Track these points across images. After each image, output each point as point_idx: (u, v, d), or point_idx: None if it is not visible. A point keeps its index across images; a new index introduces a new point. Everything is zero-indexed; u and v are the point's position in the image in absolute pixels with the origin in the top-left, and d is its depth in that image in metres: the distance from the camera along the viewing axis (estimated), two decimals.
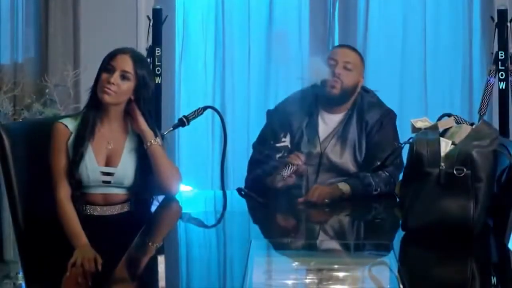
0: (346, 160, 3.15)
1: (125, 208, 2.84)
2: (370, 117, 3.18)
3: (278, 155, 3.18)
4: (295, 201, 2.96)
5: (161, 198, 2.93)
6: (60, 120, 2.82)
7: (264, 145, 3.22)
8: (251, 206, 3.01)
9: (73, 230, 2.67)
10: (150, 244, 2.53)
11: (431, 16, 4.53)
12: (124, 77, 2.77)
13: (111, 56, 2.79)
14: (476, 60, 4.50)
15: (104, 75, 2.76)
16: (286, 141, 3.20)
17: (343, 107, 3.21)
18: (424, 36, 4.51)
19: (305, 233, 2.79)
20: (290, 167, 2.97)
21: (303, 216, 2.94)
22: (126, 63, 2.78)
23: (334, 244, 2.61)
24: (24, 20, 4.33)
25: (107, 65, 2.78)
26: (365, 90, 3.28)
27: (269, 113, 3.38)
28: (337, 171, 3.15)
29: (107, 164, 2.80)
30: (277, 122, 3.24)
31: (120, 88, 2.76)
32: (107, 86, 2.75)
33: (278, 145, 3.19)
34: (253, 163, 3.23)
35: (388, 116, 3.21)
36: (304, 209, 2.92)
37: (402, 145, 2.64)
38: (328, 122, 3.21)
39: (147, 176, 2.85)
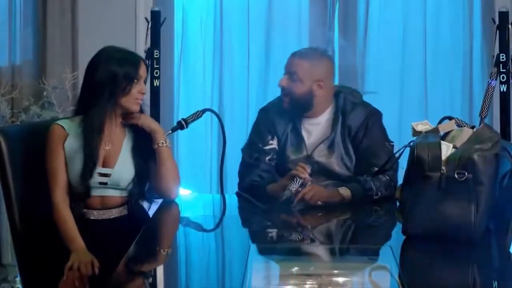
0: (333, 162, 3.11)
1: (123, 212, 2.82)
2: (352, 119, 3.11)
3: (267, 158, 3.16)
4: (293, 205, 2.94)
5: (159, 200, 2.92)
6: (57, 122, 2.80)
7: (252, 148, 3.20)
8: (250, 210, 2.99)
9: (69, 234, 2.66)
10: (157, 248, 2.52)
11: (431, 18, 4.52)
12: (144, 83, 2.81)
13: (137, 65, 2.76)
14: (476, 62, 4.49)
15: (137, 87, 2.75)
16: (273, 144, 3.19)
17: (316, 110, 3.15)
18: (425, 38, 4.50)
19: (305, 237, 2.77)
20: (297, 181, 2.94)
21: (302, 220, 2.92)
22: (145, 70, 2.81)
23: (334, 249, 2.59)
24: (22, 22, 4.31)
25: (137, 76, 2.75)
26: (349, 90, 3.22)
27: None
28: (324, 172, 3.11)
29: (104, 165, 2.78)
30: (263, 125, 3.21)
31: None
32: (140, 98, 2.77)
33: (266, 147, 3.17)
34: (245, 168, 3.20)
35: (373, 118, 3.14)
36: (304, 212, 2.90)
37: (403, 149, 2.62)
38: (309, 128, 3.16)
39: (145, 178, 2.83)
